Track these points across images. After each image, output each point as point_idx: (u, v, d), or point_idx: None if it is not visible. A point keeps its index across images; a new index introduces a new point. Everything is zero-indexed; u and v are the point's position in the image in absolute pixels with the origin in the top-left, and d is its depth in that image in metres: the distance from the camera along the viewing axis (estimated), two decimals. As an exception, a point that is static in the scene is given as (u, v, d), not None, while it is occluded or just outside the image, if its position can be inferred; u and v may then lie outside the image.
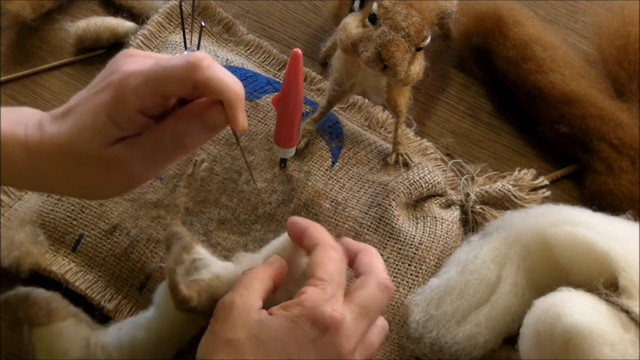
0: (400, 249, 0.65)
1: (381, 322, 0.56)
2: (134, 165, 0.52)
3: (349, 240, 0.60)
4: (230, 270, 0.57)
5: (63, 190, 0.58)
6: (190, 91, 0.50)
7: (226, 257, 0.60)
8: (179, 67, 0.49)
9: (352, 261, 0.58)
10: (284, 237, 0.59)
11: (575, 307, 0.56)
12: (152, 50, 0.76)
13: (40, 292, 0.62)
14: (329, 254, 0.54)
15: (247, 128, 0.53)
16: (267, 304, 0.55)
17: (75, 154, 0.51)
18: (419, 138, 0.74)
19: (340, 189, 0.67)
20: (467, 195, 0.69)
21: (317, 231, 0.56)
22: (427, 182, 0.67)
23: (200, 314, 0.56)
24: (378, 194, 0.67)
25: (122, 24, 0.78)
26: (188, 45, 0.71)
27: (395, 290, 0.64)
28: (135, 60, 0.51)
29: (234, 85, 0.51)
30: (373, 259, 0.57)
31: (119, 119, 0.50)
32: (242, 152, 0.60)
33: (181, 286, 0.53)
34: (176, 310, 0.55)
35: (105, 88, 0.50)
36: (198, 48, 0.70)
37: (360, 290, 0.54)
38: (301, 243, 0.57)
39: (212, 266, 0.57)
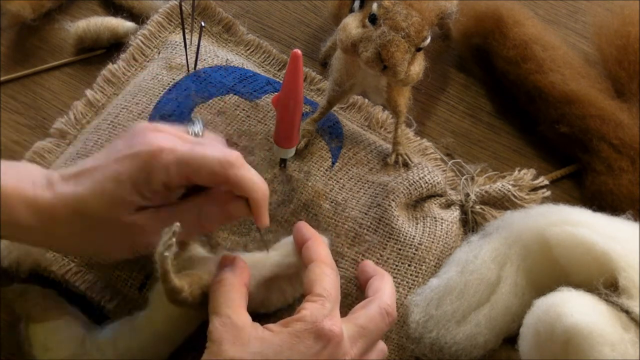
0: (400, 249, 0.65)
1: (381, 346, 0.58)
2: (150, 235, 0.53)
3: (368, 263, 0.63)
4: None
5: (70, 250, 0.60)
6: (218, 183, 0.52)
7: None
8: (214, 162, 0.51)
9: (365, 283, 0.61)
10: (291, 239, 0.60)
11: (575, 307, 0.56)
12: (152, 50, 0.77)
13: (37, 289, 0.63)
14: (325, 271, 0.56)
15: (269, 225, 0.56)
16: (266, 303, 0.56)
17: (90, 217, 0.52)
18: (418, 138, 0.74)
19: (340, 189, 0.67)
20: (467, 195, 0.69)
21: (317, 245, 0.58)
22: (427, 182, 0.67)
23: (193, 308, 0.56)
24: (378, 194, 0.67)
25: (122, 24, 0.78)
26: (188, 45, 0.71)
27: (395, 291, 0.64)
28: (167, 138, 0.52)
29: (263, 186, 0.54)
30: (383, 284, 0.60)
31: (144, 189, 0.51)
32: (266, 244, 0.61)
33: (172, 275, 0.53)
34: (170, 304, 0.55)
35: (131, 157, 0.51)
36: (198, 48, 0.71)
37: (361, 311, 0.57)
38: (299, 250, 0.59)
39: (209, 264, 0.57)
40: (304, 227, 0.60)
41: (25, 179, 0.52)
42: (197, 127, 0.57)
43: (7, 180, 0.51)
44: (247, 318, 0.53)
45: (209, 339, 0.52)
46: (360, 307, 0.57)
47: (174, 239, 0.54)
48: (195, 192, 0.56)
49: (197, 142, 0.54)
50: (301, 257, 0.58)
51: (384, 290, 0.59)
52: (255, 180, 0.53)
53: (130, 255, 0.59)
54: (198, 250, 0.60)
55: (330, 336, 0.52)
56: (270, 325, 0.53)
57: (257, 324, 0.53)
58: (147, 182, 0.51)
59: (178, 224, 0.53)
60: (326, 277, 0.55)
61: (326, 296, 0.54)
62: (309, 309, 0.53)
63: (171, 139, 0.53)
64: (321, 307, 0.53)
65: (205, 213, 0.54)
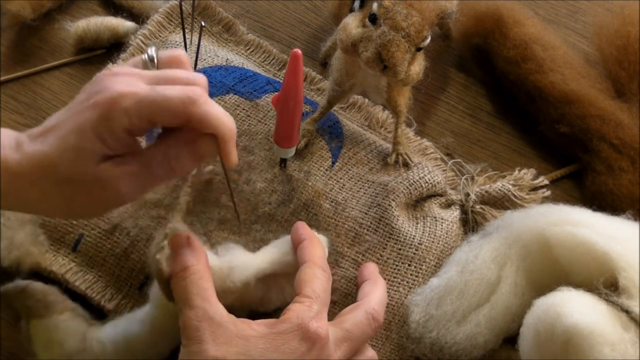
0: (400, 249, 0.65)
1: (370, 354, 0.58)
2: (119, 185, 0.51)
3: (366, 266, 0.63)
4: (216, 263, 0.57)
5: (43, 211, 0.57)
6: (182, 122, 0.50)
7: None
8: (176, 101, 0.49)
9: (360, 286, 0.61)
10: (288, 238, 0.60)
11: (575, 307, 0.56)
12: (152, 50, 0.77)
13: (38, 285, 0.63)
14: (316, 273, 0.56)
15: (237, 163, 0.53)
16: (265, 301, 0.56)
17: (57, 173, 0.50)
18: (419, 138, 0.74)
19: (340, 189, 0.67)
20: (467, 195, 0.69)
21: (312, 247, 0.58)
22: (427, 182, 0.67)
23: None
24: (378, 194, 0.67)
25: (122, 23, 0.78)
26: (188, 45, 0.71)
27: (395, 290, 0.64)
28: (126, 81, 0.50)
29: (229, 121, 0.51)
30: (374, 289, 0.60)
31: (106, 136, 0.49)
32: (230, 188, 0.59)
33: (166, 275, 0.53)
34: (168, 301, 0.55)
35: (91, 107, 0.49)
36: (198, 48, 0.71)
37: (348, 315, 0.56)
38: (295, 250, 0.58)
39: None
40: (301, 227, 0.60)
41: None
42: (151, 53, 0.54)
43: None
44: (223, 310, 0.52)
45: (184, 336, 0.51)
46: (347, 311, 0.57)
47: (165, 242, 0.54)
48: (162, 135, 0.54)
49: (158, 79, 0.51)
50: (297, 255, 0.58)
51: (373, 295, 0.59)
52: (220, 115, 0.51)
53: (105, 211, 0.57)
54: None
55: (315, 338, 0.52)
56: (253, 323, 0.53)
57: (233, 317, 0.52)
58: (110, 130, 0.49)
59: (171, 225, 0.53)
60: (316, 279, 0.55)
61: (314, 298, 0.54)
62: (295, 310, 0.53)
63: (130, 82, 0.50)
64: (308, 309, 0.53)
65: (174, 155, 0.52)
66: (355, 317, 0.56)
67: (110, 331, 0.60)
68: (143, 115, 0.49)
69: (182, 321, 0.52)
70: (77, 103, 0.51)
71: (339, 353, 0.54)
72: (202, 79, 0.52)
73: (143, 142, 0.57)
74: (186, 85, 0.50)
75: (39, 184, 0.50)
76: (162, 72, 0.52)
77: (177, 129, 0.52)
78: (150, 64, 0.53)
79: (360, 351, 0.57)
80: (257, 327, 0.52)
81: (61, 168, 0.50)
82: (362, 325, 0.56)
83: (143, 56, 0.53)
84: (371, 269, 0.63)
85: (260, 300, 0.59)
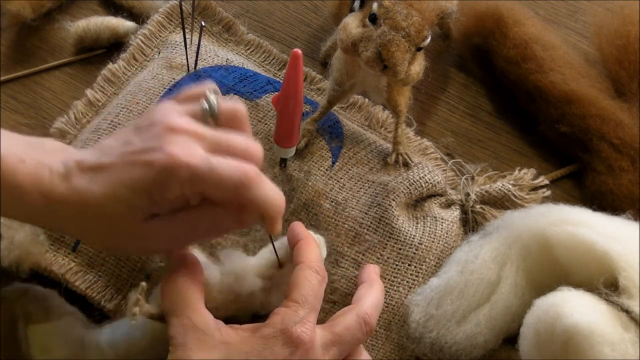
0: (400, 249, 0.65)
1: (364, 357, 0.58)
2: (162, 241, 0.53)
3: (366, 269, 0.63)
4: (217, 274, 0.58)
5: (78, 236, 0.60)
6: (232, 202, 0.51)
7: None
8: (230, 183, 0.50)
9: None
10: (285, 239, 0.60)
11: (575, 307, 0.56)
12: (152, 49, 0.76)
13: (38, 289, 0.63)
14: (308, 276, 0.55)
15: (280, 232, 0.54)
16: (266, 305, 0.56)
17: (104, 217, 0.51)
18: (419, 138, 0.74)
19: (340, 189, 0.67)
20: (467, 195, 0.69)
21: (306, 248, 0.57)
22: (427, 182, 0.67)
23: None
24: (378, 194, 0.67)
25: (122, 23, 0.78)
26: (188, 45, 0.71)
27: (395, 290, 0.64)
28: (185, 145, 0.50)
29: (278, 202, 0.52)
30: (369, 292, 0.59)
31: (157, 199, 0.50)
32: (273, 243, 0.59)
33: (151, 312, 0.54)
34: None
35: (147, 165, 0.49)
36: (198, 48, 0.71)
37: (339, 318, 0.56)
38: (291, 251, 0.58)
39: (206, 271, 0.57)
40: (297, 228, 0.59)
41: (44, 164, 0.51)
42: (211, 103, 0.53)
43: (27, 165, 0.50)
44: (209, 317, 0.52)
45: (171, 344, 0.51)
46: (340, 314, 0.57)
47: (141, 297, 0.54)
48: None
49: (216, 146, 0.51)
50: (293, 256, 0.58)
51: (366, 298, 0.58)
52: (269, 200, 0.51)
53: (140, 255, 0.59)
54: (197, 254, 0.60)
55: (298, 342, 0.51)
56: (239, 328, 0.53)
57: (220, 323, 0.53)
58: (162, 194, 0.50)
59: (144, 284, 0.53)
60: (307, 283, 0.55)
61: (301, 302, 0.53)
62: (280, 314, 0.53)
63: (189, 147, 0.50)
64: (293, 313, 0.53)
65: (219, 220, 0.53)
66: (346, 320, 0.56)
67: (110, 336, 0.60)
68: (196, 189, 0.50)
69: (168, 330, 0.52)
70: (132, 147, 0.51)
71: (327, 356, 0.54)
72: (258, 151, 0.52)
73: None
74: (242, 162, 0.51)
75: (82, 219, 0.51)
76: (224, 138, 0.52)
77: None
78: (209, 115, 0.53)
79: (353, 354, 0.57)
80: (243, 332, 0.52)
81: (108, 215, 0.51)
82: (352, 329, 0.55)
83: (203, 105, 0.53)
84: (370, 272, 0.63)
85: (260, 304, 0.59)
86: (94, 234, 0.53)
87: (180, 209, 0.52)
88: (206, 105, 0.53)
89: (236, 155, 0.51)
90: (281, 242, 0.60)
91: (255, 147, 0.53)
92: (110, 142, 0.53)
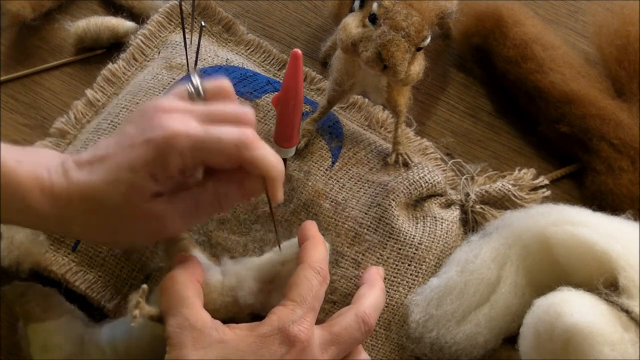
0: (400, 249, 0.65)
1: (363, 357, 0.58)
2: (167, 221, 0.52)
3: (369, 271, 0.63)
4: (219, 278, 0.57)
5: (86, 237, 0.59)
6: (233, 165, 0.51)
7: (231, 257, 0.61)
8: (230, 144, 0.50)
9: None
10: (292, 241, 0.60)
11: (575, 307, 0.56)
12: (152, 49, 0.77)
13: (38, 288, 0.63)
14: (308, 276, 0.55)
15: (282, 200, 0.55)
16: (266, 306, 0.56)
17: (106, 206, 0.51)
18: (419, 138, 0.74)
19: (340, 189, 0.67)
20: (467, 195, 0.69)
21: (311, 248, 0.57)
22: (427, 181, 0.67)
23: None
24: (378, 194, 0.67)
25: (122, 23, 0.78)
26: (188, 45, 0.71)
27: (395, 290, 0.64)
28: (179, 119, 0.51)
29: (278, 164, 0.53)
30: (368, 292, 0.59)
31: (159, 175, 0.50)
32: (274, 221, 0.60)
33: (153, 315, 0.54)
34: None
35: (145, 143, 0.50)
36: (198, 48, 0.71)
37: (338, 318, 0.56)
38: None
39: (207, 273, 0.57)
40: (306, 227, 0.59)
41: (42, 164, 0.51)
42: (196, 83, 0.54)
43: (25, 165, 0.50)
44: (206, 317, 0.52)
45: (168, 344, 0.51)
46: (339, 314, 0.57)
47: (142, 299, 0.54)
48: (211, 172, 0.55)
49: (210, 117, 0.52)
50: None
51: (366, 298, 0.58)
52: (270, 159, 0.52)
53: (149, 242, 0.59)
54: (198, 255, 0.60)
55: (294, 341, 0.52)
56: (236, 327, 0.53)
57: (217, 322, 0.53)
58: (163, 169, 0.50)
59: (145, 286, 0.53)
60: (306, 283, 0.55)
61: (299, 302, 0.53)
62: (277, 313, 0.53)
63: (183, 120, 0.51)
64: (291, 313, 0.53)
65: (222, 193, 0.53)
66: (344, 320, 0.56)
67: (109, 335, 0.60)
68: (197, 157, 0.50)
69: (166, 330, 0.52)
70: (129, 136, 0.51)
71: (325, 356, 0.54)
72: (250, 115, 0.53)
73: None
74: (238, 126, 0.51)
75: (86, 214, 0.51)
76: (214, 108, 0.53)
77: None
78: (196, 94, 0.54)
79: (352, 354, 0.57)
80: (240, 330, 0.52)
81: (111, 202, 0.51)
82: (351, 328, 0.55)
83: (188, 86, 0.54)
84: (372, 273, 0.63)
85: (261, 305, 0.59)
86: (99, 227, 0.53)
87: (183, 188, 0.52)
88: (191, 87, 0.54)
89: (230, 122, 0.52)
90: (291, 242, 0.60)
91: (247, 112, 0.53)
92: (105, 140, 0.53)
